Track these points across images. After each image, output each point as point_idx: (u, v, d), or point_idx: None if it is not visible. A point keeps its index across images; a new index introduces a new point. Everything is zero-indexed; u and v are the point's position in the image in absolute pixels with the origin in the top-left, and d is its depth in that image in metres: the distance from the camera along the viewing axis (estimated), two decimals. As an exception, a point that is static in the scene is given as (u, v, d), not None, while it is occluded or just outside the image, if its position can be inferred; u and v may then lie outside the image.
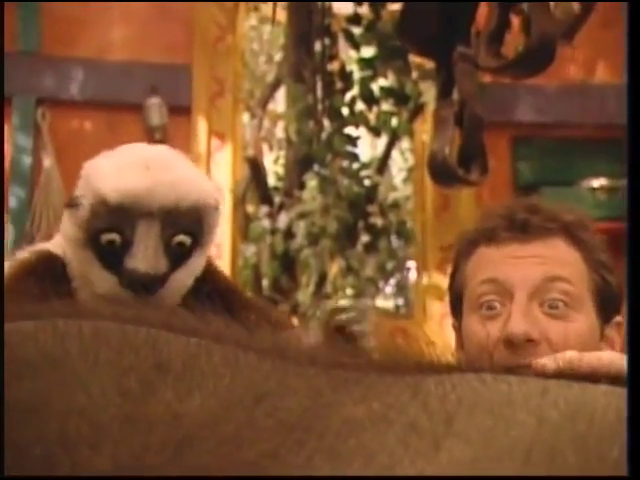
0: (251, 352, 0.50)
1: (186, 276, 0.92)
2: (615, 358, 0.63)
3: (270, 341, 0.52)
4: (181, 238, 0.89)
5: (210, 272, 0.98)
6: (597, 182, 4.59)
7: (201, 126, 4.65)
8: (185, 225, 0.89)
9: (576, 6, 3.38)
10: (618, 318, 1.01)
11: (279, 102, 5.83)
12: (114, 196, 0.87)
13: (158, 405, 0.47)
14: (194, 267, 0.93)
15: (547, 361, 0.64)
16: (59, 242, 0.95)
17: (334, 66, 4.84)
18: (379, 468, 0.42)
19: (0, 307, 0.51)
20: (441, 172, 2.93)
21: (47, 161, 4.20)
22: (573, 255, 0.98)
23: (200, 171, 0.96)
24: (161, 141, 4.34)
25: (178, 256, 0.90)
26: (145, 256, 0.86)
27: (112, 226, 0.87)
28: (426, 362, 0.51)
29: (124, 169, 0.89)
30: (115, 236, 0.87)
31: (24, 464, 0.45)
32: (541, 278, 0.95)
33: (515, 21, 3.18)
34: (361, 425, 0.45)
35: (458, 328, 1.03)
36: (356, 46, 4.75)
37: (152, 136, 4.37)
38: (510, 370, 0.90)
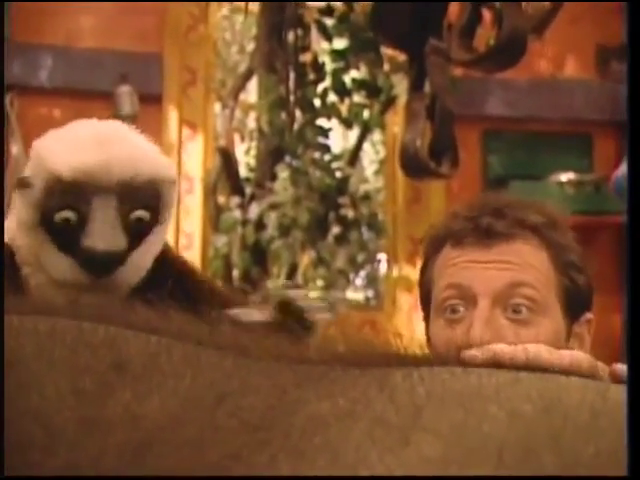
0: (212, 350, 0.49)
1: (145, 255, 0.89)
2: (542, 350, 0.61)
3: (232, 337, 0.51)
4: (139, 214, 0.87)
5: (167, 255, 0.96)
6: (565, 176, 4.65)
7: (172, 115, 4.62)
8: (143, 200, 0.87)
9: (547, 2, 3.41)
10: (588, 315, 1.01)
11: (251, 92, 5.80)
12: (68, 173, 0.84)
13: (116, 407, 0.45)
14: (153, 245, 0.90)
15: (476, 352, 0.62)
16: (7, 228, 0.91)
17: (306, 57, 4.82)
18: (345, 465, 0.41)
19: (0, 305, 0.49)
20: (412, 165, 2.95)
21: (15, 148, 4.15)
22: (539, 258, 0.97)
23: (154, 146, 0.93)
24: (131, 130, 4.29)
25: (137, 233, 0.87)
26: (102, 233, 0.83)
27: (67, 203, 0.85)
28: (393, 354, 0.50)
29: (77, 145, 0.87)
30: (70, 214, 0.84)
31: None
32: (504, 284, 0.94)
33: (487, 15, 3.20)
34: (326, 422, 0.44)
35: (426, 325, 1.03)
36: (328, 38, 4.74)
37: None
38: None
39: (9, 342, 0.47)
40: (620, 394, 0.43)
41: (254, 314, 0.91)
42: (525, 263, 0.97)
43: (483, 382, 0.45)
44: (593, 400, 0.43)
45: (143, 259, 0.89)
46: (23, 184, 0.88)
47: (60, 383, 0.46)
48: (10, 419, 0.44)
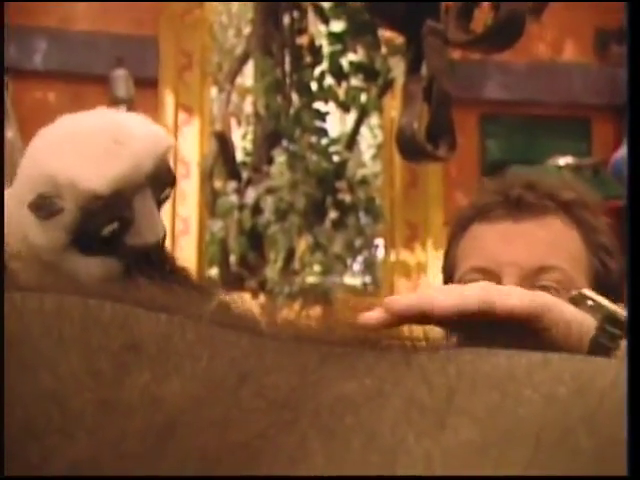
0: (227, 329, 0.47)
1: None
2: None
3: (244, 316, 0.49)
4: (166, 192, 0.86)
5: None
6: (563, 160, 4.63)
7: (168, 99, 4.59)
8: (166, 179, 0.86)
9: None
10: (620, 305, 0.98)
11: (248, 76, 5.77)
12: (105, 187, 0.80)
13: (134, 389, 0.43)
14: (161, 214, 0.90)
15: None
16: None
17: (303, 40, 4.79)
18: (382, 447, 0.39)
19: (0, 304, 0.46)
20: (409, 147, 2.93)
21: (10, 132, 4.12)
22: (570, 236, 0.93)
23: (144, 119, 0.91)
24: (127, 114, 4.26)
25: (162, 208, 0.87)
26: (150, 227, 0.82)
27: (112, 216, 0.81)
28: (408, 337, 0.49)
29: (96, 153, 0.82)
30: (116, 225, 0.81)
31: None
32: (532, 268, 0.90)
33: (484, -4, 3.17)
34: (355, 401, 0.42)
35: None
36: (325, 20, 4.70)
37: (118, 108, 4.30)
38: None
39: (12, 321, 0.46)
40: None
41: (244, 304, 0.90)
42: (555, 241, 0.92)
43: (514, 363, 0.43)
44: (625, 378, 0.42)
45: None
46: (50, 211, 0.81)
47: (74, 363, 0.44)
48: (21, 401, 0.43)
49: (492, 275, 0.90)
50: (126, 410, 0.43)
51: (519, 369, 0.43)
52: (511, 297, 0.59)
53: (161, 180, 0.85)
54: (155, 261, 0.83)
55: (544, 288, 0.88)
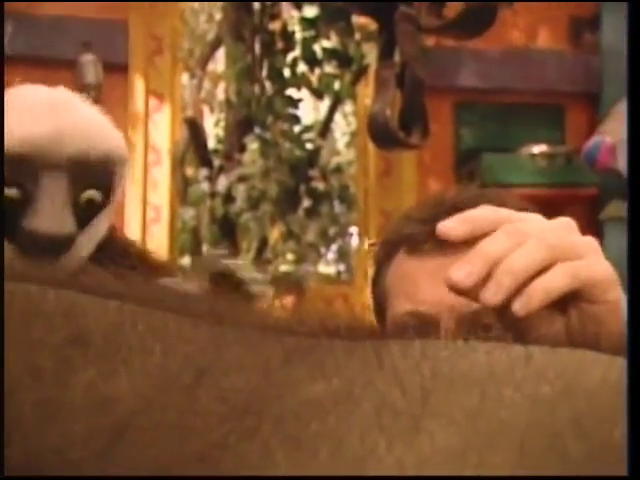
0: (182, 318, 0.43)
1: (91, 239, 0.80)
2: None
3: (204, 302, 0.45)
4: (91, 194, 0.78)
5: (111, 235, 0.87)
6: (537, 148, 4.63)
7: (138, 85, 4.51)
8: (95, 179, 0.78)
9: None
10: None
11: (220, 62, 5.70)
12: (14, 144, 0.74)
13: (78, 388, 0.40)
14: (100, 229, 0.81)
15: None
16: None
17: (275, 26, 4.73)
18: (350, 456, 0.36)
19: (0, 303, 0.42)
20: (381, 134, 2.89)
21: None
22: None
23: (106, 119, 0.85)
24: (96, 100, 4.19)
25: (85, 215, 0.78)
26: (50, 214, 0.74)
27: (11, 179, 0.74)
28: (380, 328, 0.45)
29: (25, 114, 0.76)
30: (14, 191, 0.74)
31: None
32: (473, 308, 0.85)
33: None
34: (323, 405, 0.39)
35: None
36: (298, 6, 4.65)
37: (87, 94, 4.21)
38: None
39: None
40: None
41: (185, 286, 0.84)
42: None
43: (493, 360, 0.40)
44: (617, 378, 0.39)
45: (88, 243, 0.80)
46: None
47: (11, 360, 0.40)
48: None
49: (428, 318, 0.85)
50: (70, 412, 0.39)
51: (499, 366, 0.40)
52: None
53: (87, 177, 0.77)
54: (50, 257, 0.74)
55: (487, 326, 0.82)
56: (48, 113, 0.77)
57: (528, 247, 0.58)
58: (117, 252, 0.85)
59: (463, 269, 0.59)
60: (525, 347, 0.41)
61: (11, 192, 0.75)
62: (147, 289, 0.46)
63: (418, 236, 0.87)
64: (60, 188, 0.76)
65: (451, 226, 0.60)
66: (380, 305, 0.93)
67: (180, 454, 0.38)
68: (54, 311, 0.42)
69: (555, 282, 0.58)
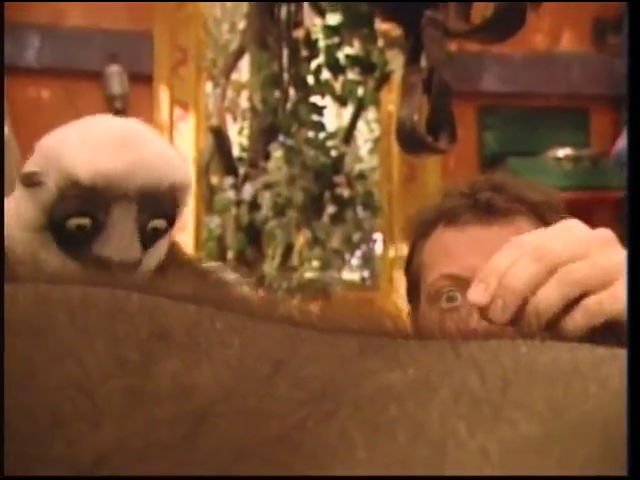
0: (257, 318, 0.46)
1: (153, 260, 0.83)
2: None
3: (276, 307, 0.47)
4: (157, 223, 0.81)
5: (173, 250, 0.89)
6: (562, 152, 4.61)
7: (163, 95, 4.55)
8: (162, 208, 0.81)
9: (544, -28, 3.34)
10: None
11: (243, 71, 5.73)
12: (87, 177, 0.77)
13: (163, 377, 0.42)
14: (161, 250, 0.84)
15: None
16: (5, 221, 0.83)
17: (299, 33, 4.75)
18: (430, 439, 0.37)
19: (0, 305, 0.45)
20: (409, 139, 2.89)
21: (5, 130, 4.07)
22: None
23: (172, 147, 0.86)
24: (122, 110, 4.23)
25: (150, 241, 0.81)
26: (120, 243, 0.77)
27: (84, 210, 0.78)
28: (451, 329, 0.47)
29: (97, 146, 0.79)
30: (86, 220, 0.78)
31: (10, 441, 0.41)
32: None
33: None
34: (399, 392, 0.40)
35: (413, 316, 0.96)
36: (321, 13, 4.67)
37: (112, 105, 4.26)
38: None
39: (38, 311, 0.45)
40: None
41: (230, 275, 0.87)
42: None
43: (577, 357, 0.41)
44: None
45: (150, 264, 0.83)
46: (31, 181, 0.80)
47: (99, 353, 0.43)
48: (47, 390, 0.42)
49: (464, 282, 0.87)
50: (155, 398, 0.42)
51: (584, 363, 0.40)
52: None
53: (154, 206, 0.80)
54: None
55: None
56: (120, 147, 0.80)
57: (529, 266, 0.57)
58: (174, 263, 0.88)
59: (478, 289, 0.58)
60: (610, 348, 0.42)
61: (84, 221, 0.78)
62: (221, 295, 0.48)
63: (457, 209, 0.92)
64: (130, 218, 0.79)
65: (478, 293, 0.58)
66: (414, 281, 0.96)
67: (261, 436, 0.40)
68: (138, 311, 0.45)
69: (575, 322, 0.54)
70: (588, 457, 0.36)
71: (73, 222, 0.78)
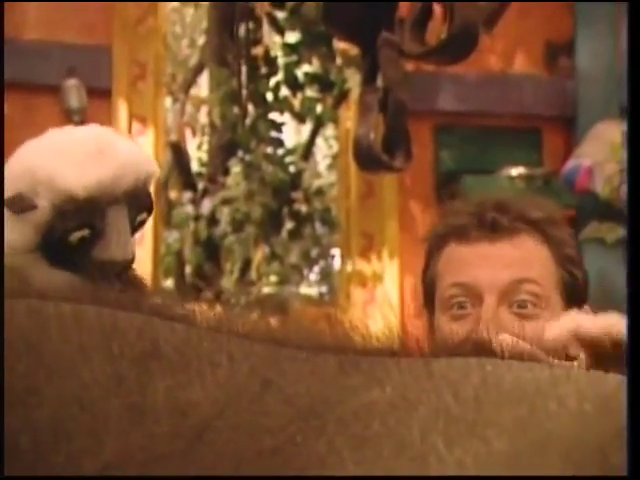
0: (243, 338, 0.48)
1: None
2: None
3: (262, 326, 0.50)
4: (142, 216, 0.86)
5: None
6: (516, 170, 4.71)
7: (122, 109, 4.54)
8: (144, 202, 0.86)
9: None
10: (585, 307, 1.04)
11: (202, 87, 5.74)
12: (83, 190, 0.80)
13: (159, 394, 0.44)
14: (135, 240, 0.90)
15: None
16: None
17: (258, 51, 4.79)
18: (413, 454, 0.40)
19: (0, 308, 0.46)
20: (366, 157, 2.95)
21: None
22: (541, 253, 1.01)
23: (134, 143, 0.92)
24: (80, 124, 4.21)
25: (135, 233, 0.87)
26: (118, 244, 0.82)
27: (83, 222, 0.81)
28: (419, 346, 0.49)
29: (80, 158, 0.82)
30: (86, 232, 0.81)
31: (11, 455, 0.42)
32: (509, 280, 0.97)
33: (438, 9, 3.21)
34: (381, 409, 0.42)
35: (429, 323, 1.05)
36: (280, 31, 4.71)
37: (71, 119, 4.23)
38: None
39: (31, 325, 0.46)
40: None
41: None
42: (529, 258, 1.00)
43: (536, 376, 0.44)
44: None
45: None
46: (22, 206, 0.81)
47: (95, 370, 0.44)
48: (49, 404, 0.43)
49: (473, 290, 0.98)
50: (153, 415, 0.43)
51: (543, 382, 0.43)
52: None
53: (139, 202, 0.85)
54: (123, 282, 0.82)
55: (522, 302, 0.97)
56: (99, 155, 0.83)
57: None
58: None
59: None
60: (565, 367, 0.46)
61: (84, 233, 0.81)
62: (204, 315, 0.50)
63: (467, 226, 1.01)
64: (123, 218, 0.83)
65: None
66: (430, 290, 1.05)
67: (256, 450, 0.42)
68: (128, 329, 0.47)
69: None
70: (551, 471, 0.39)
71: (75, 236, 0.81)
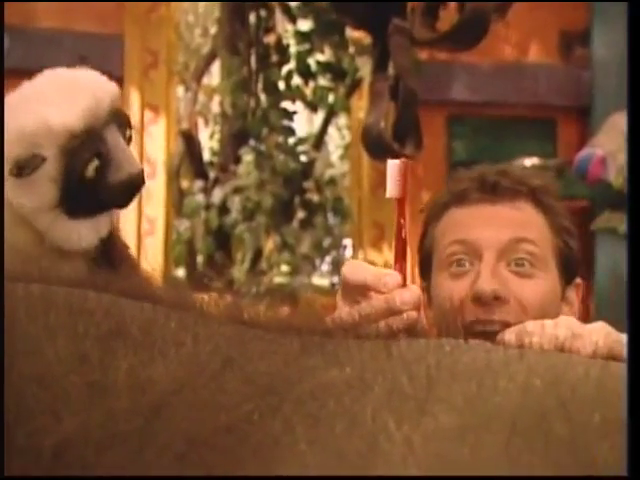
0: (209, 317, 0.49)
1: None
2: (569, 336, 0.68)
3: (226, 307, 0.51)
4: (129, 132, 0.88)
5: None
6: (529, 161, 4.67)
7: (134, 98, 4.55)
8: (125, 118, 0.88)
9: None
10: (577, 280, 1.07)
11: (215, 76, 5.73)
12: (77, 122, 0.82)
13: (120, 372, 0.45)
14: None
15: (509, 336, 0.70)
16: None
17: (270, 39, 4.78)
18: (364, 433, 0.41)
19: (0, 307, 0.47)
20: (376, 145, 2.93)
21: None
22: (539, 219, 1.03)
23: (94, 72, 0.93)
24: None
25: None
26: (129, 159, 0.84)
27: (91, 152, 0.83)
28: (387, 326, 0.51)
29: (57, 97, 0.84)
30: (96, 161, 0.83)
31: None
32: (508, 239, 1.00)
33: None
34: (338, 389, 0.44)
35: (426, 289, 1.06)
36: (292, 19, 4.70)
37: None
38: (479, 323, 0.93)
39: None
40: (620, 368, 0.46)
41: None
42: (527, 221, 1.02)
43: (491, 356, 0.46)
44: (597, 374, 0.45)
45: None
46: (34, 163, 0.82)
47: (60, 348, 0.46)
48: (13, 384, 0.44)
49: (473, 247, 1.00)
50: (113, 392, 0.44)
51: (496, 361, 0.45)
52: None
53: (121, 119, 0.86)
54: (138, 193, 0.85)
55: (519, 260, 0.99)
56: (70, 88, 0.85)
57: None
58: (118, 253, 0.91)
59: None
60: (520, 349, 0.47)
61: (95, 162, 0.83)
62: (174, 295, 0.51)
63: (468, 190, 1.03)
64: (119, 137, 0.85)
65: None
66: (427, 258, 1.06)
67: (211, 427, 0.43)
68: (96, 309, 0.47)
69: None
70: (497, 443, 0.40)
71: (89, 170, 0.83)
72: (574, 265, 1.05)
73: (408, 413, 0.42)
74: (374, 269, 0.69)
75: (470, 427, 0.41)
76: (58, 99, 0.84)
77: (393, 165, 0.68)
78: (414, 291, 0.64)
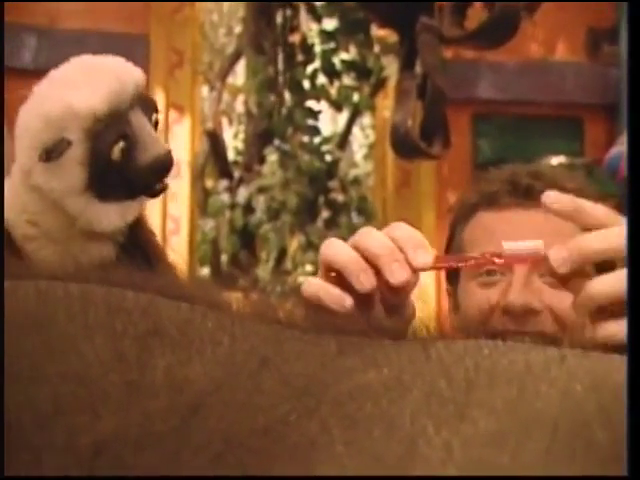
0: (245, 317, 0.49)
1: None
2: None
3: (261, 307, 0.51)
4: (155, 117, 0.87)
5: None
6: (556, 160, 4.62)
7: (159, 98, 4.56)
8: (151, 103, 0.87)
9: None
10: None
11: (239, 76, 5.74)
12: (101, 104, 0.82)
13: (158, 371, 0.45)
14: None
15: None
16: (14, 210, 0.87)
17: (295, 38, 4.78)
18: (402, 436, 0.41)
19: (0, 307, 0.47)
20: (403, 144, 2.91)
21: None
22: (572, 224, 1.00)
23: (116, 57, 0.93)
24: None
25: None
26: (155, 141, 0.84)
27: (117, 134, 0.83)
28: (421, 329, 0.51)
29: (81, 81, 0.84)
30: (122, 143, 0.83)
31: (13, 431, 0.43)
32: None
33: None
34: (375, 391, 0.43)
35: (452, 293, 1.04)
36: (318, 18, 4.69)
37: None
38: (509, 334, 0.89)
39: (38, 307, 0.48)
40: None
41: None
42: (562, 227, 0.98)
43: (530, 359, 0.45)
44: None
45: None
46: (61, 147, 0.82)
47: (98, 347, 0.46)
48: (49, 381, 0.45)
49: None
50: (150, 391, 0.44)
51: (536, 365, 0.44)
52: None
53: (147, 103, 0.86)
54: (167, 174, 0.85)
55: (552, 271, 0.92)
56: (95, 72, 0.85)
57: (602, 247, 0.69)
58: (144, 240, 0.91)
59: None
60: (560, 350, 0.46)
61: (121, 144, 0.83)
62: (211, 295, 0.51)
63: (499, 192, 0.98)
64: (144, 119, 0.85)
65: (555, 199, 0.68)
66: None
67: (248, 428, 0.42)
68: (134, 308, 0.47)
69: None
70: (538, 449, 0.39)
71: (116, 152, 0.83)
72: (610, 270, 1.01)
73: (447, 417, 0.41)
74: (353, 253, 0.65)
75: (510, 432, 0.40)
76: (82, 83, 0.84)
77: None
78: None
